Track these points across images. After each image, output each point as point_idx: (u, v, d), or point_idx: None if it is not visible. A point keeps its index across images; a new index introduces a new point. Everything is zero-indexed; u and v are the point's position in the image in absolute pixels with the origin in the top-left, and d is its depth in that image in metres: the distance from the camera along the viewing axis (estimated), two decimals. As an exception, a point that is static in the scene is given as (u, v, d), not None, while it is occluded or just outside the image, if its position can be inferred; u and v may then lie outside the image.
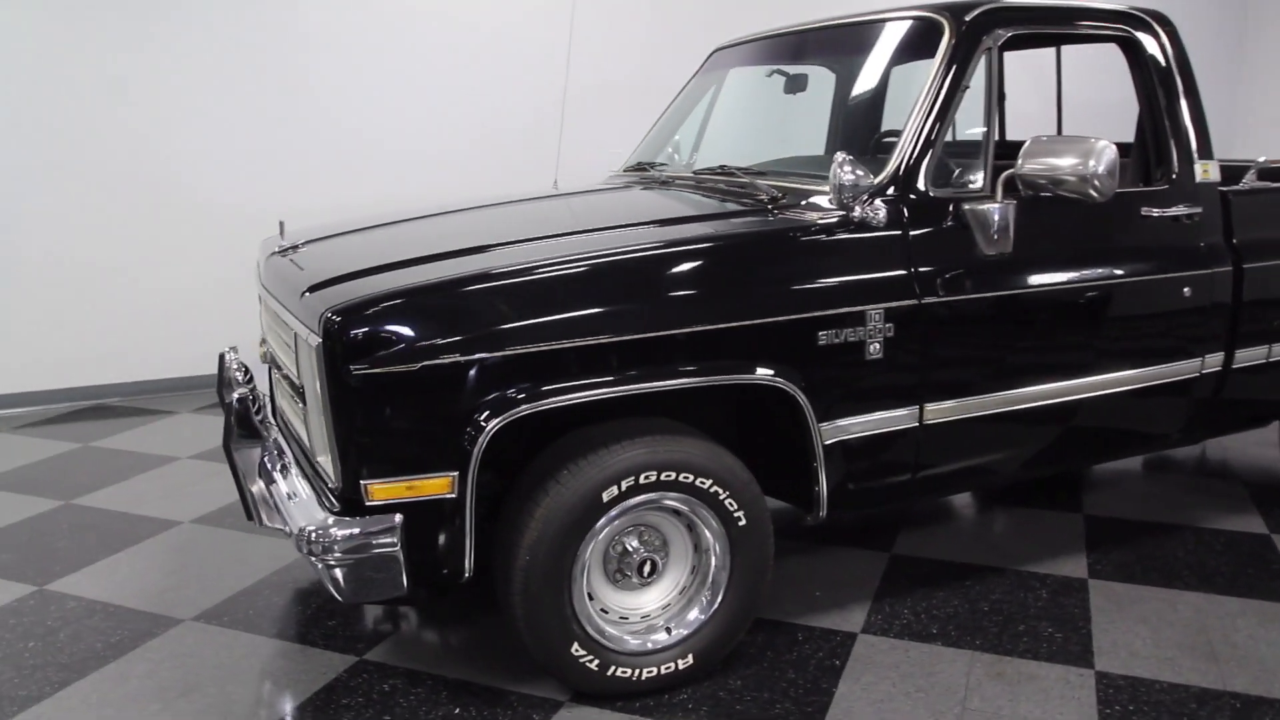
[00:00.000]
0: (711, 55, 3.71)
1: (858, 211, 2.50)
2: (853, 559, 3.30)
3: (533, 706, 2.46)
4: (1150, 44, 3.00)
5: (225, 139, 5.52)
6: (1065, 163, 2.50)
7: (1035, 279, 2.74)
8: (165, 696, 2.52)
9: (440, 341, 2.15)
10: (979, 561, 3.24)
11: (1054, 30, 2.97)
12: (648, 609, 2.53)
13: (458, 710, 2.45)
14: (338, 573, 2.15)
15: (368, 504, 2.17)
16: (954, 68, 2.69)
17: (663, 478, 2.36)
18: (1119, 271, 2.88)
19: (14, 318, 5.32)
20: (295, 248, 2.82)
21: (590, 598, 2.44)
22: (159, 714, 2.44)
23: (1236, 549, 3.31)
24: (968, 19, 2.74)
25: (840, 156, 2.45)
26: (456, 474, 2.18)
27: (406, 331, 2.14)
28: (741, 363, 2.39)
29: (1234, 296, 3.08)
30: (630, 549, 2.47)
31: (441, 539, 2.22)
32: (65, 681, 2.59)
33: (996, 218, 2.62)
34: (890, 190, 2.60)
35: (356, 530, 2.15)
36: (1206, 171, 3.04)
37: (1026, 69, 3.89)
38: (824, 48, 3.39)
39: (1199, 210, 3.01)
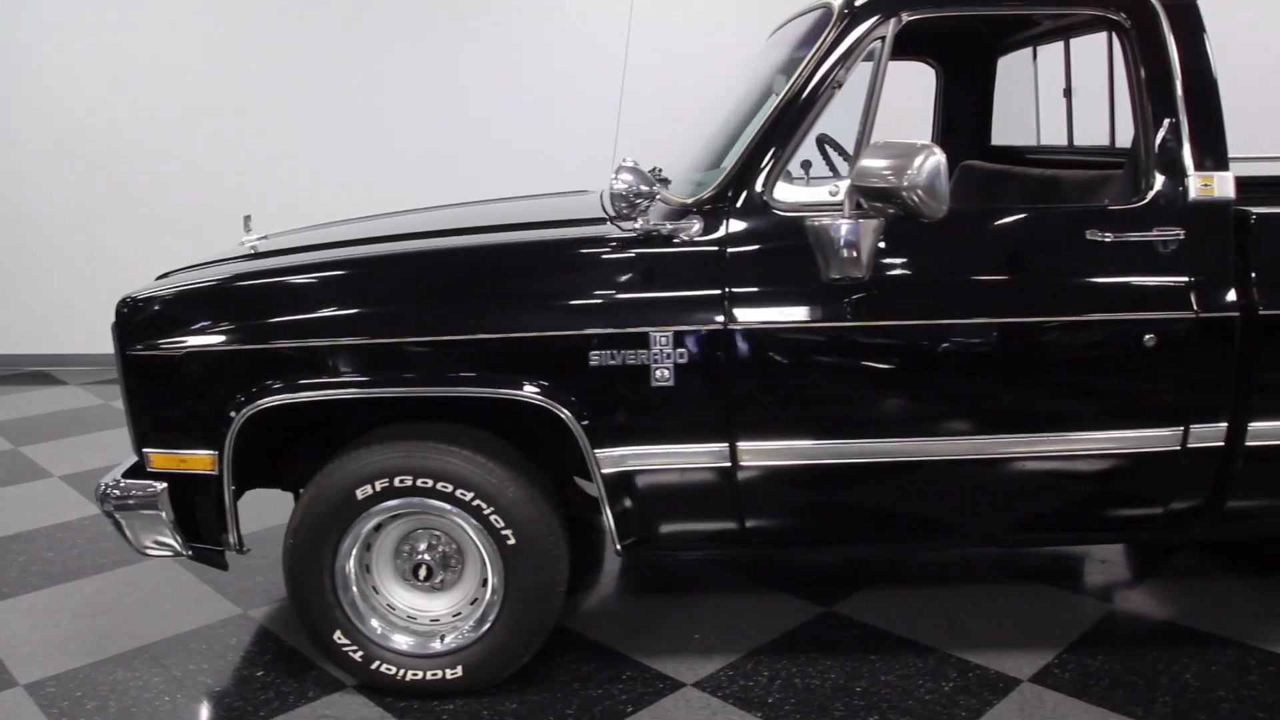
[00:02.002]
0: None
1: (639, 223, 2.28)
2: (780, 607, 2.97)
3: (323, 683, 2.59)
4: (1142, 27, 2.35)
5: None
6: (885, 171, 2.08)
7: (896, 311, 2.29)
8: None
9: (205, 332, 2.35)
10: (920, 637, 2.76)
11: (979, 12, 2.44)
12: (438, 613, 2.53)
13: (261, 673, 2.65)
14: (118, 522, 2.45)
15: (148, 470, 2.43)
16: (825, 61, 2.33)
17: (419, 484, 2.36)
18: (1034, 310, 2.31)
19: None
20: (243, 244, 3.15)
21: (376, 591, 2.51)
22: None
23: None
24: (858, 4, 2.36)
25: (623, 162, 2.26)
26: (216, 453, 2.37)
27: (177, 321, 2.38)
28: (509, 378, 2.31)
29: (1244, 349, 2.33)
30: (417, 551, 2.50)
31: (204, 510, 2.43)
32: None
33: (841, 236, 2.20)
34: (719, 200, 2.34)
35: (131, 491, 2.43)
36: (1208, 187, 2.32)
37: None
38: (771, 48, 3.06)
39: (1180, 235, 2.31)
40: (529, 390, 2.29)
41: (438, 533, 2.50)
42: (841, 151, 2.88)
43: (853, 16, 2.33)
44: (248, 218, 3.30)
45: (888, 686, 2.53)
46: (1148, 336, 2.30)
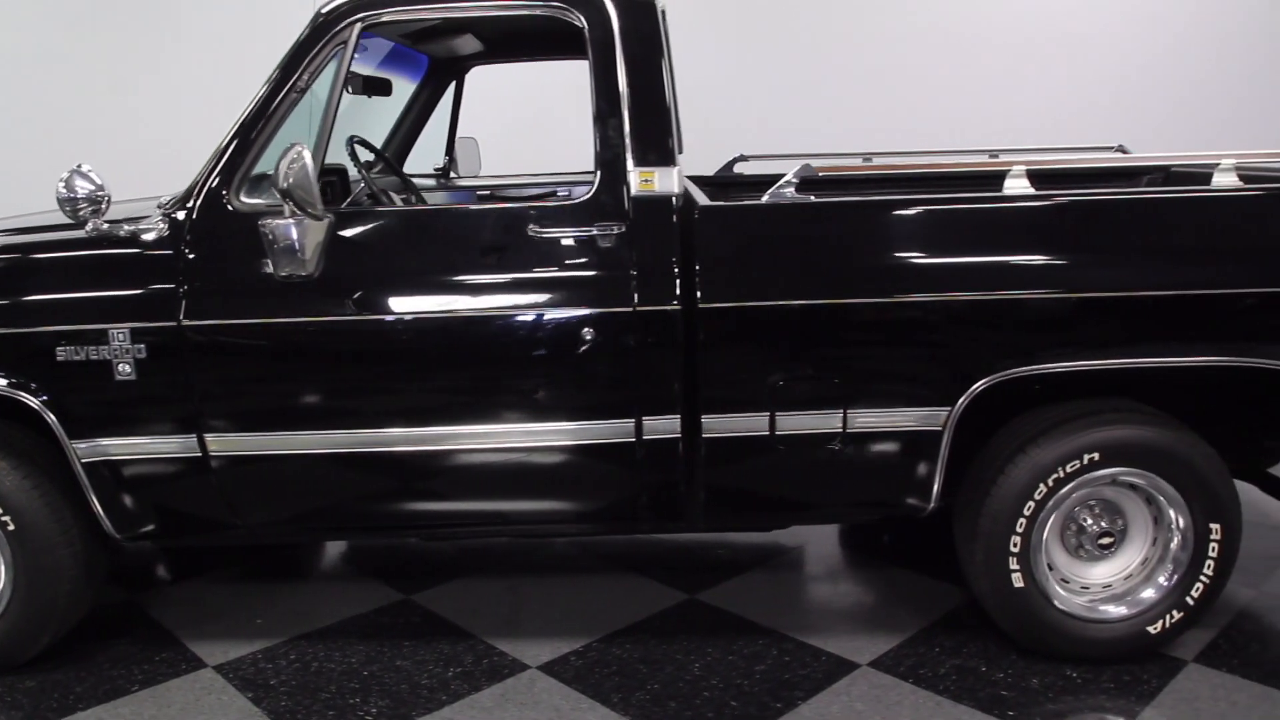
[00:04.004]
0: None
1: (90, 226, 2.38)
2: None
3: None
4: (594, 25, 2.38)
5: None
6: (274, 173, 2.16)
7: (344, 307, 2.36)
8: None
9: None
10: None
11: (430, 15, 2.49)
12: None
13: None
14: None
15: None
16: (289, 68, 2.41)
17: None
18: (470, 304, 2.36)
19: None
20: None
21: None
22: None
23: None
24: (324, 10, 2.44)
25: (75, 167, 2.36)
26: None
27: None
28: (-5, 371, 2.43)
29: (688, 342, 2.36)
30: None
31: None
32: None
33: (289, 235, 2.30)
34: (184, 203, 2.44)
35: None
36: (649, 182, 2.35)
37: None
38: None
39: (620, 230, 2.35)
40: (2, 384, 2.41)
41: None
42: (376, 151, 2.96)
43: (316, 26, 2.41)
44: None
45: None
46: (586, 330, 2.34)
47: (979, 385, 2.36)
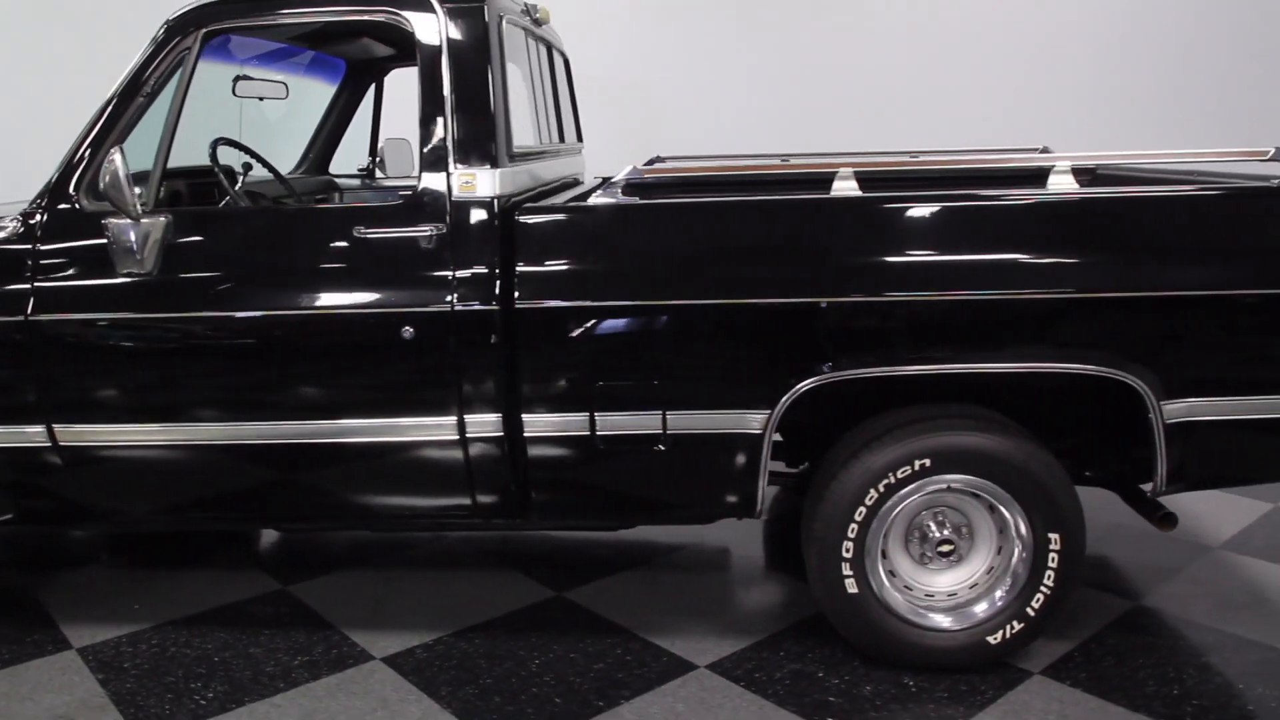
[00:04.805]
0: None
1: (-58, 223, 2.49)
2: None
3: None
4: (422, 29, 2.42)
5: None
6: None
7: (180, 304, 2.44)
8: None
9: None
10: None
11: (272, 22, 2.55)
12: None
13: None
14: None
15: None
16: (138, 72, 2.49)
17: None
18: (300, 304, 2.42)
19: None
20: None
21: None
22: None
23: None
24: (171, 18, 2.52)
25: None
26: None
27: None
28: None
29: (506, 342, 2.39)
30: None
31: None
32: None
33: (127, 235, 2.40)
34: (39, 201, 2.54)
35: None
36: (470, 184, 2.39)
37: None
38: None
39: (442, 231, 2.38)
40: None
41: None
42: (251, 153, 3.04)
43: (166, 30, 2.50)
44: None
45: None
46: (406, 329, 2.39)
47: (798, 389, 2.35)
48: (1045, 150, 3.90)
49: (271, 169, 3.09)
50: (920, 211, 2.36)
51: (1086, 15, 5.83)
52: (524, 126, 2.92)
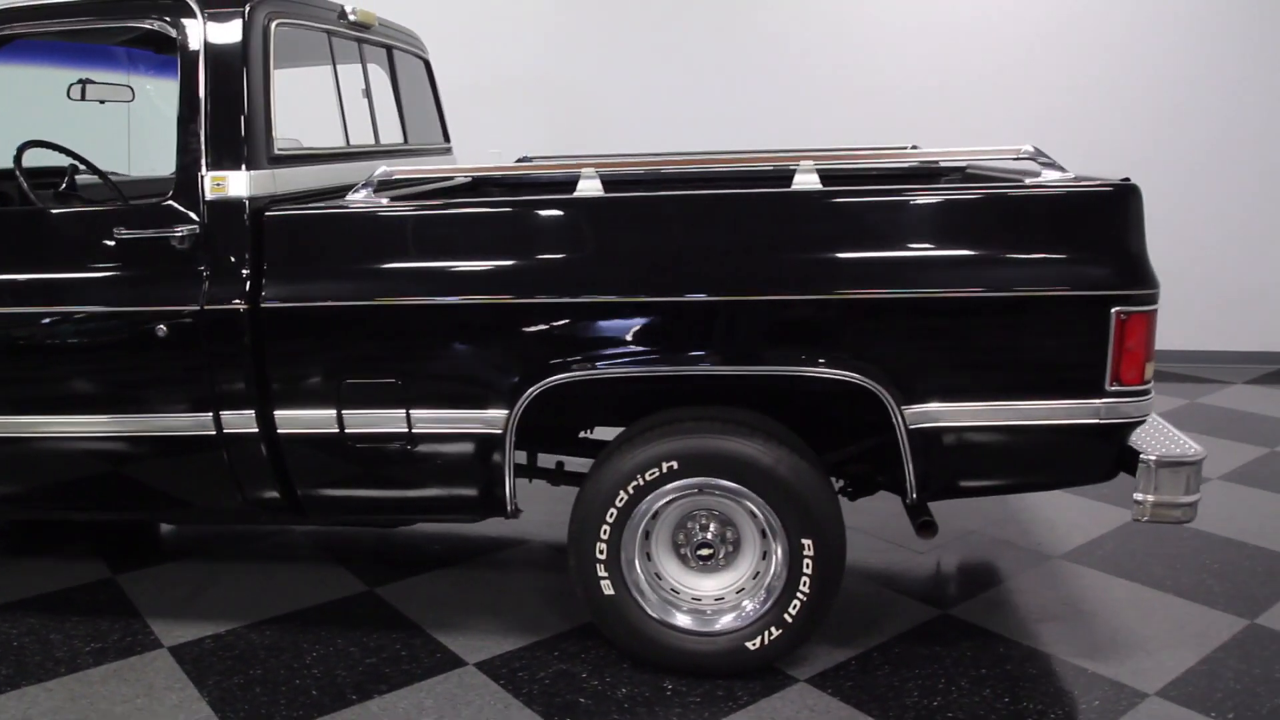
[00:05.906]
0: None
1: None
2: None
3: None
4: (182, 31, 2.47)
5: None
6: None
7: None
8: None
9: None
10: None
11: (68, 28, 2.62)
12: None
13: None
14: None
15: None
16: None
17: None
18: (62, 304, 2.50)
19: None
20: None
21: None
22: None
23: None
24: None
25: None
26: None
27: None
28: None
29: (254, 340, 2.43)
30: None
31: None
32: None
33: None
34: None
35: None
36: (221, 186, 2.43)
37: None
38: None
39: (194, 232, 2.44)
40: None
41: None
42: (70, 154, 3.11)
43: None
44: None
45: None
46: (160, 327, 2.45)
47: (535, 389, 2.35)
48: (915, 148, 3.84)
49: (95, 169, 3.17)
50: (652, 211, 2.34)
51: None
52: (310, 128, 2.96)
